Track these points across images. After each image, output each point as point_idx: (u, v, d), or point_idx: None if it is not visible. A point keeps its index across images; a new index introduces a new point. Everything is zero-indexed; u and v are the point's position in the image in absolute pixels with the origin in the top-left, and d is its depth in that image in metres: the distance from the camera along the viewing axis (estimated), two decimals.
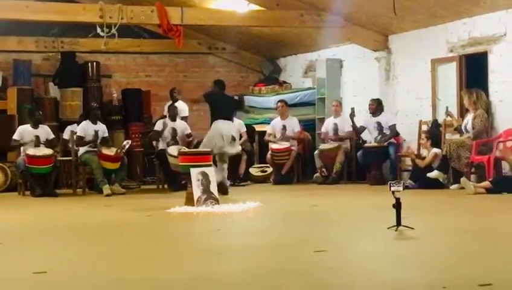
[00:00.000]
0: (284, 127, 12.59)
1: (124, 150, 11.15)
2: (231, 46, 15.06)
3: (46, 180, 10.87)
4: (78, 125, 11.57)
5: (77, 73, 13.70)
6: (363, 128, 11.96)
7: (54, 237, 6.32)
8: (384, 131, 11.62)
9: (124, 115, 13.70)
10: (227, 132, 9.96)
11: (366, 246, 5.28)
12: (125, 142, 11.43)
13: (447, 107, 10.68)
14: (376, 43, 12.40)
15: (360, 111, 12.02)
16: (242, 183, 12.00)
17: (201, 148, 9.69)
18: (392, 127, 11.63)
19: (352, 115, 11.87)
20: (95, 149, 11.14)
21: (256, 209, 8.09)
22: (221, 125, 9.95)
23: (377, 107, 11.74)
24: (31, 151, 10.81)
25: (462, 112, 10.70)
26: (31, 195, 10.85)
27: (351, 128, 12.00)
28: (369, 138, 11.87)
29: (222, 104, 10.30)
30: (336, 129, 12.22)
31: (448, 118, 10.72)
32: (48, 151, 10.93)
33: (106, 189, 10.66)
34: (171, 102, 12.46)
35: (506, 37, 10.12)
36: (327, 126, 12.42)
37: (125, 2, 11.33)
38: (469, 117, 10.24)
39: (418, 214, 6.69)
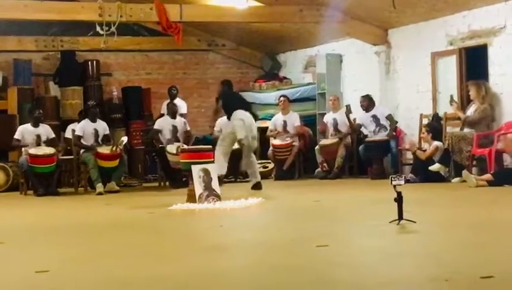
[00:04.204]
0: (285, 123, 12.58)
1: (121, 147, 11.12)
2: (231, 42, 15.05)
3: (48, 180, 10.86)
4: (78, 123, 11.58)
5: (77, 72, 13.70)
6: (359, 126, 11.94)
7: (56, 236, 6.33)
8: (382, 122, 11.62)
9: (125, 113, 13.70)
10: (251, 120, 9.89)
11: (368, 241, 5.28)
12: (121, 139, 11.38)
13: (451, 96, 10.58)
14: (376, 37, 12.38)
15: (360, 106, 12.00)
16: (244, 179, 11.99)
17: (221, 141, 9.80)
18: (390, 117, 11.62)
19: (348, 112, 11.86)
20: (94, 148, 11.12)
21: (258, 205, 8.09)
22: (243, 115, 9.84)
23: (368, 103, 11.74)
24: (34, 150, 10.79)
25: (463, 104, 10.67)
26: (34, 194, 10.85)
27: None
28: (367, 133, 11.83)
29: (236, 100, 10.29)
30: (335, 124, 12.20)
31: (454, 106, 10.49)
32: (50, 150, 10.89)
33: (99, 187, 10.66)
34: (169, 100, 12.44)
35: (506, 29, 10.10)
36: (327, 121, 12.42)
37: (124, 0, 11.32)
38: (472, 109, 10.23)
39: (420, 208, 6.69)
